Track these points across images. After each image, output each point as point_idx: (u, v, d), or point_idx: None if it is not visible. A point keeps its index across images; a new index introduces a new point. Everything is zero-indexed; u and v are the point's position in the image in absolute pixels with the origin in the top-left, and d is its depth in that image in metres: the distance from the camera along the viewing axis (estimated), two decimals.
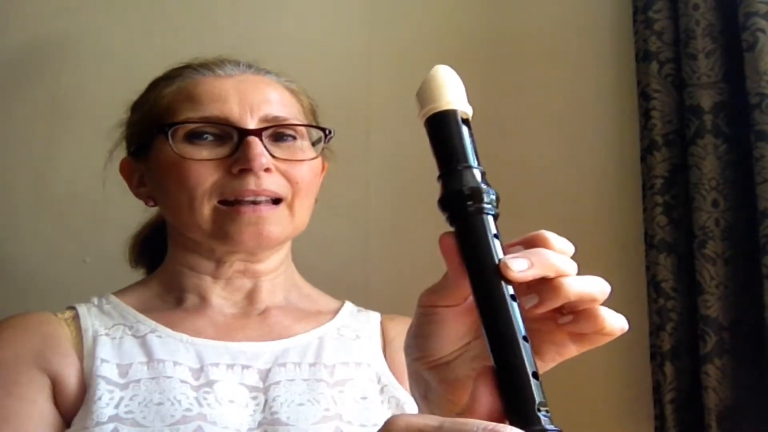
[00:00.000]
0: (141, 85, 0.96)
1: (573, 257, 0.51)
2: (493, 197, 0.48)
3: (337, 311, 0.94)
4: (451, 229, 0.49)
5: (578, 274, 0.50)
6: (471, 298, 0.51)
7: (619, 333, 0.50)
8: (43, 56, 1.40)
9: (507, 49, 1.31)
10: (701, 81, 1.07)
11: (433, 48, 1.30)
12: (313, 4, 1.39)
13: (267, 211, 0.85)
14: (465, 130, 0.49)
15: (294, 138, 0.90)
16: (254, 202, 0.85)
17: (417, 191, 1.28)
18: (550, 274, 0.48)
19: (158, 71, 0.95)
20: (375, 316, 0.96)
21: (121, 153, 0.97)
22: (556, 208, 1.24)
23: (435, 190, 0.50)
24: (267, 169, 0.85)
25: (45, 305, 0.90)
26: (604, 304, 0.50)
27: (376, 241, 1.30)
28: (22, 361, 0.80)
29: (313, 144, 0.93)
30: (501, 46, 1.31)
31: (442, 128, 0.49)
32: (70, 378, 0.80)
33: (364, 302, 0.99)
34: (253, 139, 0.85)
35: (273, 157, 0.86)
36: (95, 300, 0.90)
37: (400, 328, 0.93)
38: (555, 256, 0.48)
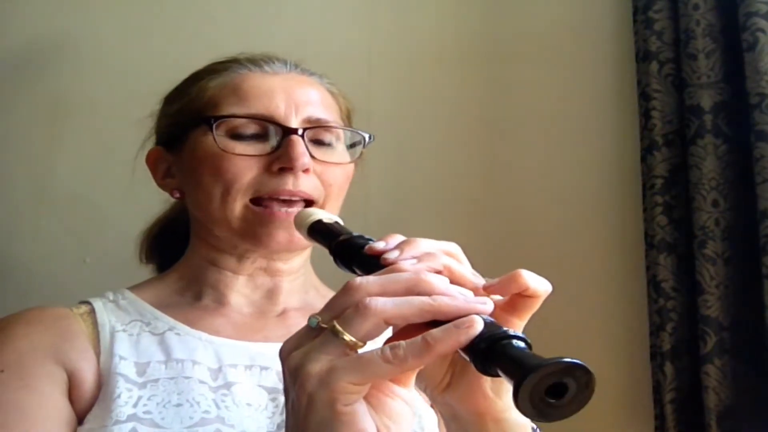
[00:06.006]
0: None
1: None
2: (354, 233, 0.68)
3: None
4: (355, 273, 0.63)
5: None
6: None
7: (543, 294, 0.55)
8: (43, 56, 1.40)
9: (507, 50, 1.31)
10: (701, 81, 1.07)
11: (433, 48, 1.30)
12: (313, 4, 1.40)
13: None
14: (333, 223, 0.75)
15: (332, 141, 0.89)
16: (287, 202, 0.84)
17: (417, 191, 1.28)
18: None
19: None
20: None
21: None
22: (557, 208, 1.24)
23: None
24: (306, 170, 0.84)
25: (45, 305, 0.89)
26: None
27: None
28: (39, 354, 0.78)
29: (347, 147, 0.93)
30: (501, 46, 1.31)
31: (319, 226, 0.76)
32: (87, 374, 0.78)
33: None
34: (297, 139, 0.84)
35: (312, 158, 0.85)
36: (110, 295, 0.88)
37: None
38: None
